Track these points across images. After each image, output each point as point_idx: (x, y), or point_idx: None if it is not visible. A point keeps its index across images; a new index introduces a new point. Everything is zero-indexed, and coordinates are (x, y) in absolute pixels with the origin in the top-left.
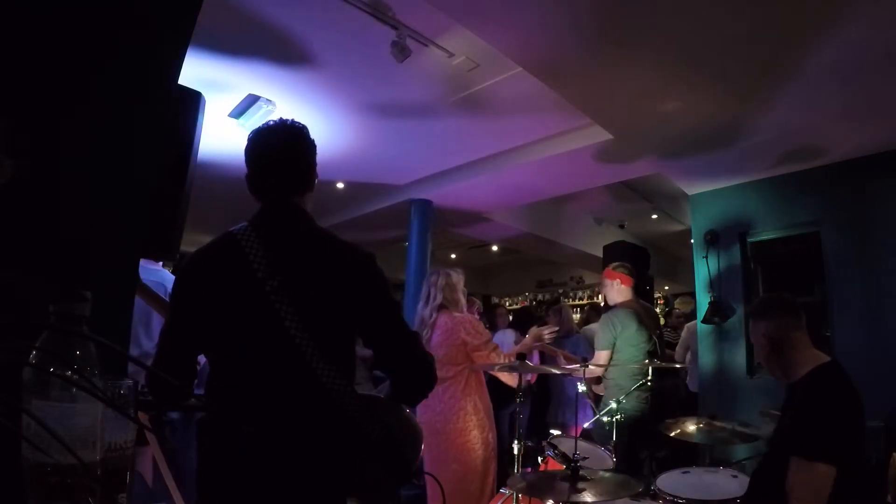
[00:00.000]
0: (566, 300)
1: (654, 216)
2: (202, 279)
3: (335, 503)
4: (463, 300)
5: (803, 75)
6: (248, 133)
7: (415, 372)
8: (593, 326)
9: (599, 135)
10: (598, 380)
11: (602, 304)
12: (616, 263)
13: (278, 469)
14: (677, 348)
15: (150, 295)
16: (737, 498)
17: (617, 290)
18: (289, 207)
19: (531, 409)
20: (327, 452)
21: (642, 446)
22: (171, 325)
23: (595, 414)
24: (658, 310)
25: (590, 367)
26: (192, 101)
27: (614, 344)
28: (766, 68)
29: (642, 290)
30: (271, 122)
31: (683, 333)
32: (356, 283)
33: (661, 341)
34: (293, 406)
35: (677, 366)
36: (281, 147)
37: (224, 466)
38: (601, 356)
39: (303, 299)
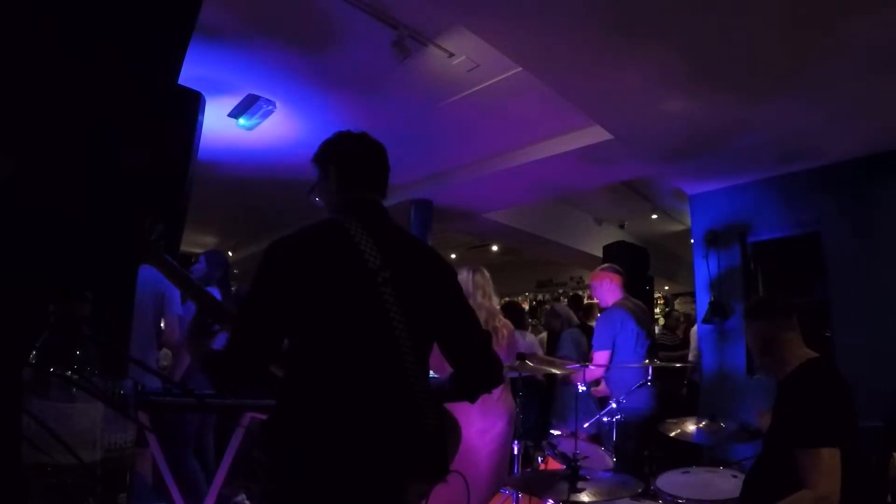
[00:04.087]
0: (565, 300)
1: (654, 216)
2: (307, 264)
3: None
4: None
5: (804, 76)
6: (340, 133)
7: (491, 370)
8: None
9: (599, 135)
10: (595, 382)
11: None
12: (602, 265)
13: (366, 458)
14: (691, 353)
15: (172, 269)
16: (737, 498)
17: (608, 290)
18: (381, 205)
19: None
20: (398, 444)
21: (643, 446)
22: (267, 302)
23: (596, 414)
24: (658, 310)
25: (590, 367)
26: (192, 101)
27: (614, 343)
28: (766, 69)
29: (642, 290)
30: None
31: (693, 337)
32: (450, 285)
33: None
34: (384, 400)
35: (677, 365)
36: (382, 149)
37: (329, 458)
38: (601, 356)
39: (407, 294)
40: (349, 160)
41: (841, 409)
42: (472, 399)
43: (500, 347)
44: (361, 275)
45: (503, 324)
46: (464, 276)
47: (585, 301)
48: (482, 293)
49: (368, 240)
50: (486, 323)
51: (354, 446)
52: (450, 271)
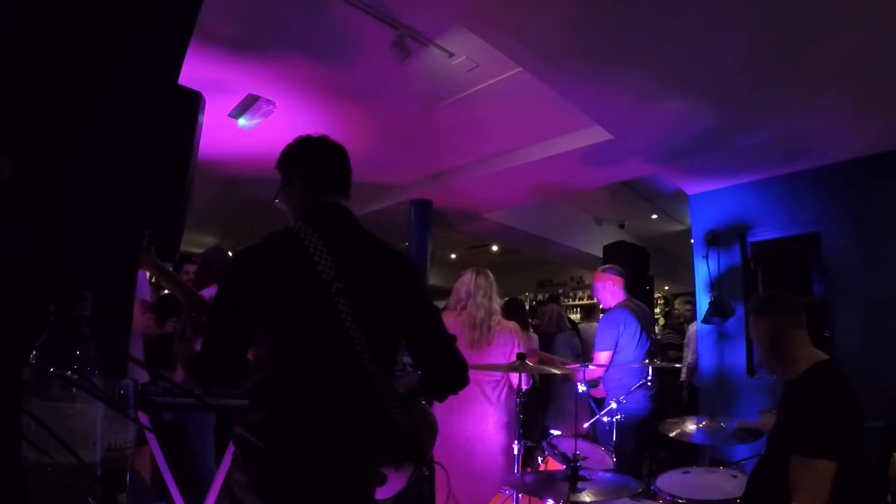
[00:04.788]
0: (566, 300)
1: (654, 216)
2: (265, 275)
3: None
4: None
5: (803, 76)
6: (301, 138)
7: (457, 372)
8: (592, 324)
9: (599, 135)
10: (594, 382)
11: (600, 307)
12: (605, 266)
13: (328, 461)
14: (686, 353)
15: (163, 271)
16: (737, 498)
17: (610, 292)
18: (344, 209)
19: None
20: (365, 446)
21: (643, 446)
22: (228, 316)
23: (595, 414)
24: (658, 310)
25: (590, 367)
26: (192, 101)
27: (616, 343)
28: (765, 68)
29: (642, 290)
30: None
31: (690, 335)
32: (410, 289)
33: (654, 341)
34: (344, 405)
35: (677, 366)
36: (344, 152)
37: (290, 463)
38: (602, 357)
39: (362, 302)
40: (311, 165)
41: (847, 421)
42: (440, 399)
43: (484, 347)
44: (315, 286)
45: (499, 323)
46: (467, 278)
47: (569, 302)
48: (483, 293)
49: (323, 250)
50: (483, 322)
51: (321, 444)
52: (412, 274)
